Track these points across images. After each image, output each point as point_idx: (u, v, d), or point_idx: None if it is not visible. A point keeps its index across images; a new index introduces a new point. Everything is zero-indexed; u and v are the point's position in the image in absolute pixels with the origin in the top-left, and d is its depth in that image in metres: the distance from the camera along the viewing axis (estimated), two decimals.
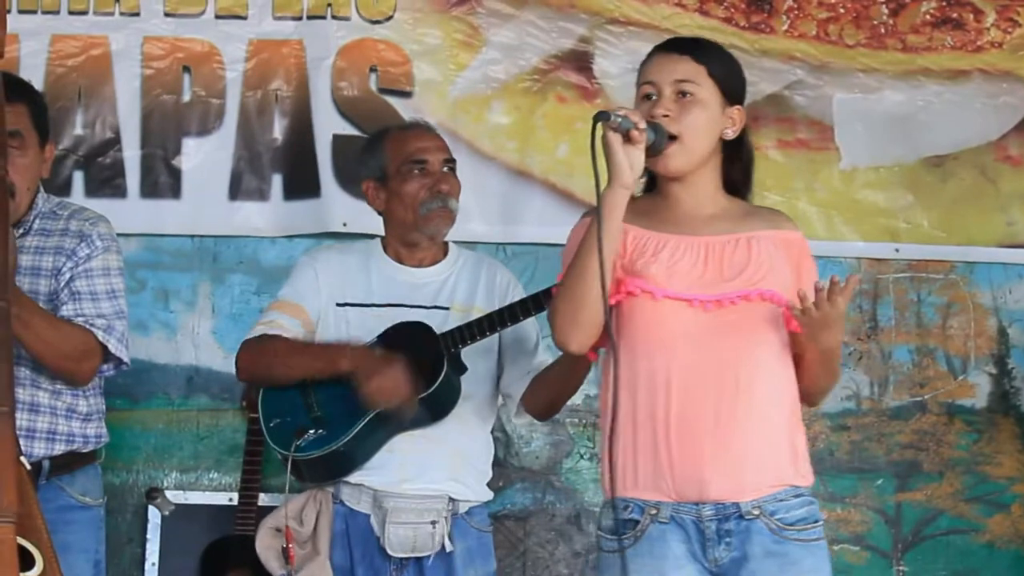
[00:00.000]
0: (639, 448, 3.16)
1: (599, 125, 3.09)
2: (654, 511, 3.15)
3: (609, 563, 3.20)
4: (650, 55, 3.31)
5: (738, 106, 3.30)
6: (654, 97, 3.23)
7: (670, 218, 3.26)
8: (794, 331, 3.20)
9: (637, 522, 3.16)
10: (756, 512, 3.14)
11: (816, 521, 3.21)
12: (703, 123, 3.23)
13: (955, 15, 5.34)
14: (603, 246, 3.09)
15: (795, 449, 3.22)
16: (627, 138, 3.10)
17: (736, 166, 3.34)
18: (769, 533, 3.14)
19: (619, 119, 3.09)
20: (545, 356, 4.13)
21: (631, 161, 3.11)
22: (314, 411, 4.03)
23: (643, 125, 3.11)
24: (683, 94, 3.22)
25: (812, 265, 3.31)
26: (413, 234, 4.14)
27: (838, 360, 3.31)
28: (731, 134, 3.28)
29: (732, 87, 3.29)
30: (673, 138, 3.20)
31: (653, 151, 3.18)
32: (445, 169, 4.16)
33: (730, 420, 3.13)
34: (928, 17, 5.34)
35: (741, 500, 3.14)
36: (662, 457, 3.13)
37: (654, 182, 3.34)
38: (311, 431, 4.00)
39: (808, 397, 3.32)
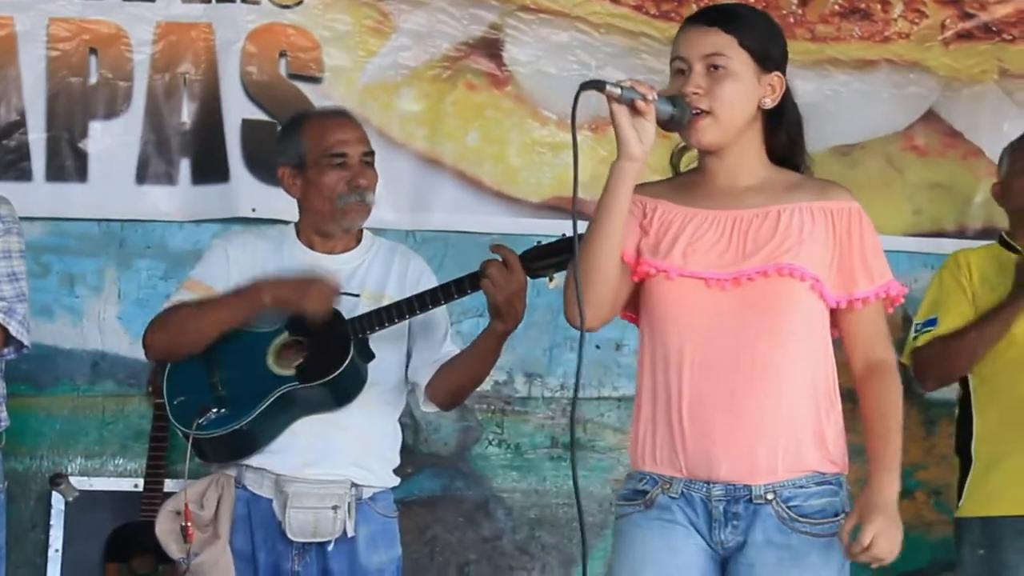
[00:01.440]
0: (657, 424, 3.14)
1: (614, 96, 3.00)
2: (667, 485, 3.12)
3: (620, 527, 3.20)
4: (682, 28, 3.20)
5: (777, 73, 3.17)
6: (686, 72, 3.12)
7: (704, 192, 3.19)
8: (841, 308, 3.17)
9: (648, 492, 3.15)
10: (769, 497, 3.07)
11: (836, 514, 3.12)
12: (736, 95, 3.11)
13: (863, 5, 5.37)
14: (607, 219, 3.07)
15: (822, 432, 3.13)
16: (633, 109, 3.01)
17: (779, 135, 3.22)
18: (777, 521, 3.07)
19: (620, 90, 2.99)
20: (452, 347, 4.13)
21: (640, 134, 3.02)
22: (218, 390, 4.00)
23: (651, 96, 3.02)
24: (714, 67, 3.10)
25: (865, 237, 3.19)
26: (328, 225, 4.12)
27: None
28: (769, 103, 3.16)
29: (768, 55, 3.16)
30: (705, 113, 3.09)
31: (676, 124, 3.10)
32: (364, 162, 4.13)
33: (745, 400, 3.06)
34: (836, 7, 5.37)
35: (753, 483, 3.07)
36: (676, 434, 3.10)
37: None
38: (214, 410, 3.97)
39: None
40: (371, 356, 4.03)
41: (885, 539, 3.03)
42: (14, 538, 4.40)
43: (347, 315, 4.00)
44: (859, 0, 5.37)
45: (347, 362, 3.94)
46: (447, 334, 4.15)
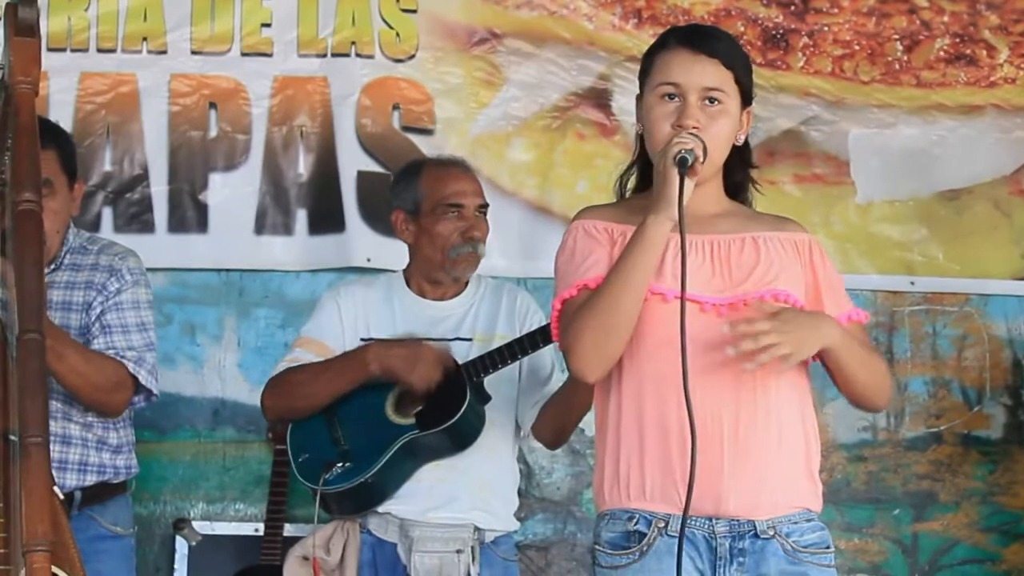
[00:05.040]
0: (647, 457, 2.91)
1: (675, 160, 2.87)
2: (663, 524, 2.90)
3: None
4: (668, 45, 3.03)
5: (748, 108, 3.07)
6: (676, 99, 2.98)
7: None
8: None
9: (644, 535, 2.91)
10: (771, 532, 2.92)
11: (828, 547, 2.98)
12: (727, 134, 3.00)
13: (968, 51, 5.37)
14: (641, 275, 2.89)
15: (811, 467, 2.99)
16: (686, 170, 2.88)
17: (738, 168, 3.11)
18: (784, 555, 2.91)
19: (687, 155, 2.88)
20: (558, 385, 4.11)
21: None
22: (341, 444, 4.04)
23: (703, 158, 2.91)
24: (711, 101, 2.98)
25: (828, 267, 3.07)
26: (438, 273, 4.14)
27: (858, 353, 2.99)
28: (742, 138, 3.06)
29: (751, 90, 3.06)
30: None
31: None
32: (478, 214, 4.15)
33: (749, 430, 2.89)
34: (942, 53, 5.37)
35: (757, 518, 2.91)
36: (674, 466, 2.88)
37: (646, 180, 3.09)
38: (339, 465, 4.00)
39: (864, 401, 3.08)
40: (487, 398, 4.05)
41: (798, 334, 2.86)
42: None
43: (461, 359, 4.03)
44: (964, 46, 5.37)
45: (464, 406, 3.97)
46: (552, 374, 4.15)
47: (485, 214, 4.19)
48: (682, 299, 2.85)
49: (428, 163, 4.33)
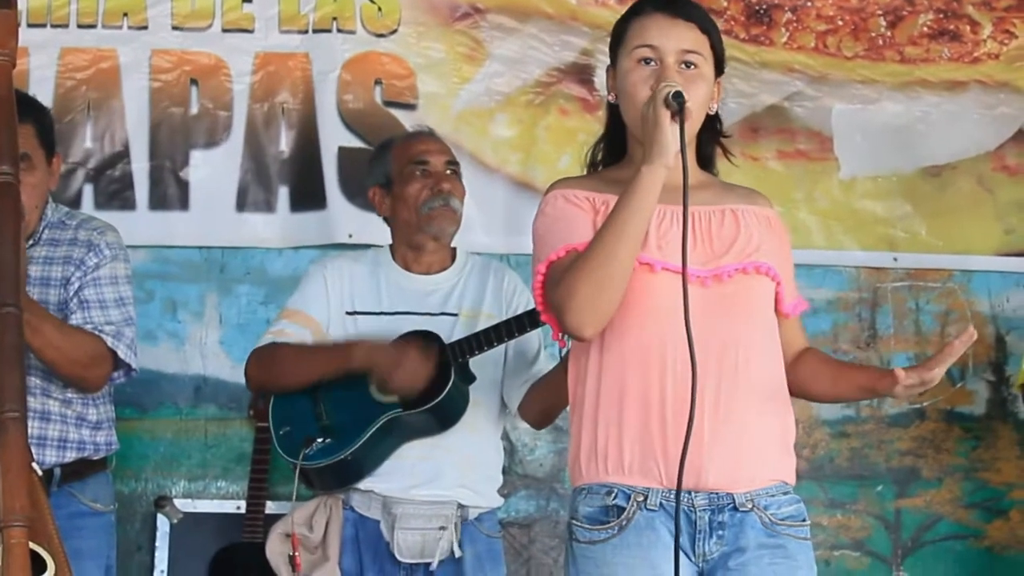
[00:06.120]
0: (626, 429, 2.88)
1: (668, 100, 2.85)
2: (641, 497, 2.87)
3: (589, 555, 2.90)
4: (644, 11, 3.03)
5: (719, 78, 3.06)
6: (652, 63, 2.97)
7: None
8: (783, 316, 3.04)
9: (623, 509, 2.88)
10: (749, 505, 2.91)
11: (804, 520, 2.98)
12: (703, 98, 2.98)
13: (952, 27, 5.38)
14: (637, 224, 2.84)
15: (787, 441, 3.00)
16: (677, 115, 2.85)
17: (709, 139, 3.10)
18: (762, 527, 2.91)
19: (680, 95, 2.85)
20: (545, 365, 4.12)
21: (674, 139, 2.84)
22: (323, 420, 4.05)
23: (690, 103, 2.88)
24: (688, 65, 2.96)
25: (789, 249, 3.10)
26: (417, 235, 4.15)
27: None
28: (714, 107, 3.06)
29: (723, 59, 3.07)
30: None
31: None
32: (448, 171, 4.18)
33: (730, 403, 2.88)
34: (925, 29, 5.38)
35: (735, 491, 2.90)
36: (654, 439, 2.86)
37: (619, 150, 3.11)
38: (319, 440, 4.01)
39: (817, 399, 3.20)
40: (472, 378, 4.06)
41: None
42: (121, 559, 4.38)
43: (446, 336, 4.04)
44: (948, 22, 5.38)
45: (448, 387, 3.98)
46: (539, 354, 4.16)
47: (456, 173, 4.21)
48: (684, 261, 2.84)
49: (396, 137, 4.40)
